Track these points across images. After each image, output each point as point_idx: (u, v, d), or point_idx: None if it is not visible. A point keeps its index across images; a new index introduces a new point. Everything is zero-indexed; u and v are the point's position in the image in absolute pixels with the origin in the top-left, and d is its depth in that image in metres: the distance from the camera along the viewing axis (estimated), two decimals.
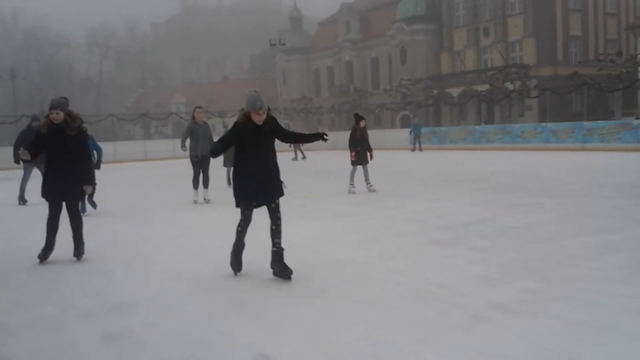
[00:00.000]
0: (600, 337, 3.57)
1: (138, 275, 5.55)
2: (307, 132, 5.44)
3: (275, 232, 5.15)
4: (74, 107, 6.22)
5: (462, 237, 6.80)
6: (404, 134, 30.87)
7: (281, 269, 5.10)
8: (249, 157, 5.04)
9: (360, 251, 6.27)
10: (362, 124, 11.68)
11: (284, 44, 58.61)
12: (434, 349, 3.48)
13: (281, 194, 5.19)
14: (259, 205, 5.15)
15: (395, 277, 5.07)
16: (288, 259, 5.11)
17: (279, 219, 5.13)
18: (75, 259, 6.19)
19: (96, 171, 9.01)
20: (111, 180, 9.33)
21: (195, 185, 10.90)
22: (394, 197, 10.82)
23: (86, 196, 9.23)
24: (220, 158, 11.56)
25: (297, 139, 5.61)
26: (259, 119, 4.94)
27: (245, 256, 6.11)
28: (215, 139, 6.65)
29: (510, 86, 37.86)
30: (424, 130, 31.41)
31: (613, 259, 5.44)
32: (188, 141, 10.86)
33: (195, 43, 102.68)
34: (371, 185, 11.64)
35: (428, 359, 3.35)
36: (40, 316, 4.41)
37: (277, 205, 5.15)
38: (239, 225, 5.22)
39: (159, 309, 4.47)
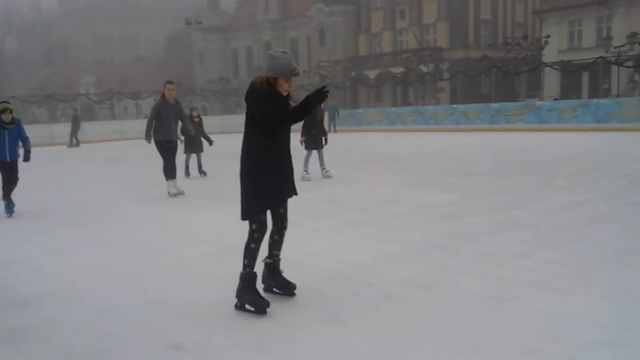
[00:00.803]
0: (503, 308, 3.77)
1: (41, 268, 5.27)
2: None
3: (277, 243, 4.12)
4: None
5: (376, 217, 6.96)
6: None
7: (282, 285, 4.17)
8: (276, 142, 3.83)
9: None
10: (322, 104, 11.13)
11: (200, 23, 57.07)
12: (345, 328, 3.54)
13: (295, 192, 4.08)
14: (271, 207, 3.98)
15: (312, 259, 5.11)
16: (199, 245, 4.88)
17: (285, 227, 4.08)
18: None
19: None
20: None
21: (170, 174, 9.28)
22: (311, 180, 10.87)
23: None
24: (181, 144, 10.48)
25: (297, 115, 3.79)
26: (288, 87, 3.81)
27: (155, 242, 5.96)
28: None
29: (424, 68, 38.92)
30: (341, 112, 31.69)
31: (516, 234, 5.74)
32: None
33: (106, 19, 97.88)
34: (327, 171, 10.96)
35: (339, 339, 3.40)
36: None
37: (286, 209, 4.08)
38: (251, 241, 3.86)
39: (64, 302, 4.26)
